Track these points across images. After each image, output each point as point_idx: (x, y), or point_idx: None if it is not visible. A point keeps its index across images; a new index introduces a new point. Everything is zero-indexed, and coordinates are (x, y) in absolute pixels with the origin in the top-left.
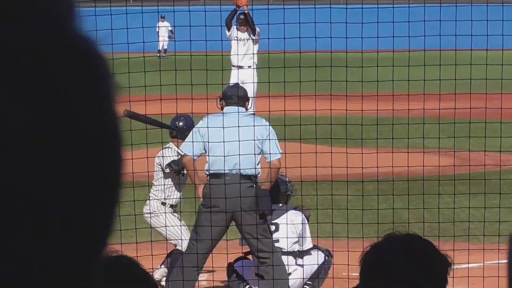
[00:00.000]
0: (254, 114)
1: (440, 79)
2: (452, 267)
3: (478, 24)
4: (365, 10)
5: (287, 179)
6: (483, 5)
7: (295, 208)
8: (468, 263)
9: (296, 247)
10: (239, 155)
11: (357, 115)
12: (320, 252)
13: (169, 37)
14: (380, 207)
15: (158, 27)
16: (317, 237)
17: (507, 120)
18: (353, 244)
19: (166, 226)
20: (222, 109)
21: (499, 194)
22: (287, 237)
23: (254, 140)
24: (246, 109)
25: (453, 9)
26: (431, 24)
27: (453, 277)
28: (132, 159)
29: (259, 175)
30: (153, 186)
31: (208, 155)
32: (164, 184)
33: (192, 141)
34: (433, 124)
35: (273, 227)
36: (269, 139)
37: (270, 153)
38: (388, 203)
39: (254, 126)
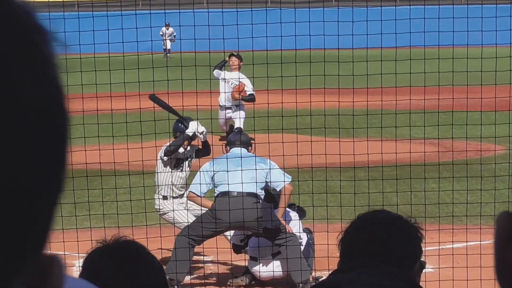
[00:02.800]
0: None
1: (424, 72)
2: (424, 238)
3: (458, 21)
4: (355, 10)
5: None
6: (464, 5)
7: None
8: (453, 242)
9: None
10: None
11: (349, 107)
12: (303, 234)
13: (171, 40)
14: (370, 191)
15: (164, 33)
16: (313, 219)
17: (487, 111)
18: (347, 226)
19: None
20: (229, 150)
21: (480, 179)
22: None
23: (256, 170)
24: (248, 151)
25: (436, 9)
26: (416, 22)
27: (438, 255)
28: (142, 148)
29: (261, 197)
30: (156, 186)
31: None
32: (167, 172)
33: (200, 183)
34: (418, 115)
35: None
36: (272, 169)
37: (278, 181)
38: (378, 188)
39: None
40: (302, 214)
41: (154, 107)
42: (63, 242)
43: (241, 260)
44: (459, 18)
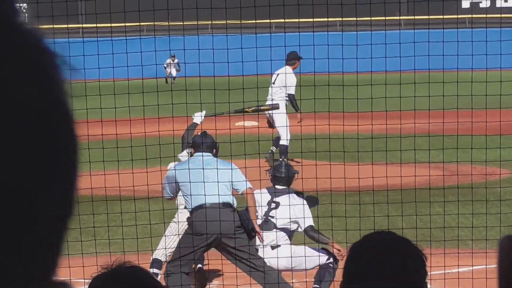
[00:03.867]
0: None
1: (429, 96)
2: (429, 262)
3: (463, 45)
4: (360, 34)
5: (287, 162)
6: (468, 29)
7: (297, 192)
8: (458, 266)
9: (294, 226)
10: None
11: (353, 131)
12: (322, 254)
13: (177, 70)
14: (376, 215)
15: (169, 64)
16: (319, 243)
17: (492, 134)
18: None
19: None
20: (192, 155)
21: (485, 203)
22: (290, 218)
23: (220, 171)
24: (213, 155)
25: (441, 33)
26: (420, 45)
27: (444, 279)
28: (147, 172)
29: (235, 205)
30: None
31: (188, 195)
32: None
33: (168, 189)
34: (423, 139)
35: (273, 205)
36: (234, 169)
37: (240, 181)
38: (383, 212)
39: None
40: (312, 203)
41: (159, 131)
42: (69, 267)
43: (247, 284)
44: (463, 41)
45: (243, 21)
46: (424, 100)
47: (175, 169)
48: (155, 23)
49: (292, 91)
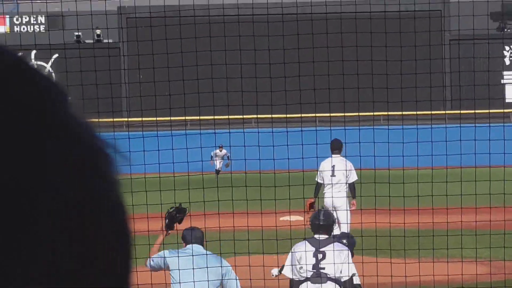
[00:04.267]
0: (213, 254)
1: (476, 194)
2: None
3: (510, 143)
4: (405, 130)
5: (330, 211)
6: None
7: (339, 240)
8: None
9: (344, 276)
10: None
11: (400, 227)
12: None
13: (226, 165)
14: None
15: (216, 154)
16: None
17: None
18: None
19: None
20: (185, 246)
21: None
22: (333, 263)
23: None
24: (204, 247)
25: (487, 128)
26: (467, 143)
27: None
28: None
29: None
30: None
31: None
32: None
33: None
34: (469, 236)
35: (320, 256)
36: (230, 279)
37: (236, 279)
38: None
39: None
40: (351, 247)
41: (205, 227)
42: None
43: None
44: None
45: (288, 115)
46: (470, 196)
47: (167, 256)
48: (200, 117)
49: (355, 176)
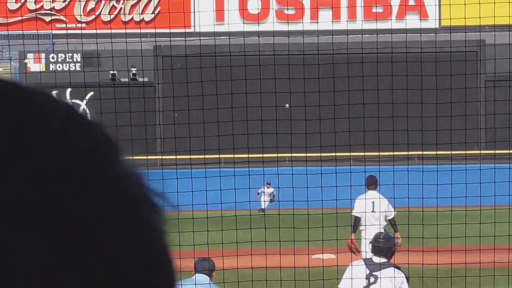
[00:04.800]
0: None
1: (509, 235)
2: None
3: None
4: (440, 172)
5: (391, 235)
6: None
7: (396, 266)
8: None
9: None
10: None
11: (433, 267)
12: None
13: (270, 200)
14: None
15: (263, 191)
16: None
17: None
18: None
19: None
20: (193, 275)
21: None
22: None
23: None
24: (212, 279)
25: None
26: (501, 184)
27: None
28: None
29: None
30: None
31: None
32: None
33: None
34: (503, 276)
35: (372, 279)
36: None
37: None
38: None
39: None
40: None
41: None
42: None
43: None
44: None
45: (323, 154)
46: (504, 237)
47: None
48: (234, 156)
49: (394, 213)
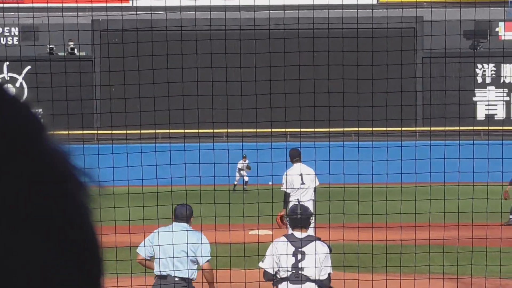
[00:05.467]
0: (195, 230)
1: (444, 212)
2: None
3: (479, 161)
4: (375, 148)
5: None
6: (485, 142)
7: (318, 238)
8: None
9: (323, 276)
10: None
11: (368, 243)
12: None
13: (248, 167)
14: None
15: (242, 166)
16: None
17: (507, 248)
18: None
19: None
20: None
21: None
22: (315, 267)
23: (188, 247)
24: (190, 224)
25: (456, 145)
26: (436, 160)
27: None
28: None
29: (193, 279)
30: None
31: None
32: None
33: (144, 246)
34: (438, 253)
35: (299, 256)
36: (203, 243)
37: (202, 256)
38: None
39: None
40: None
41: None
42: None
43: None
44: (479, 159)
45: (258, 130)
46: (439, 213)
47: (152, 245)
48: (170, 131)
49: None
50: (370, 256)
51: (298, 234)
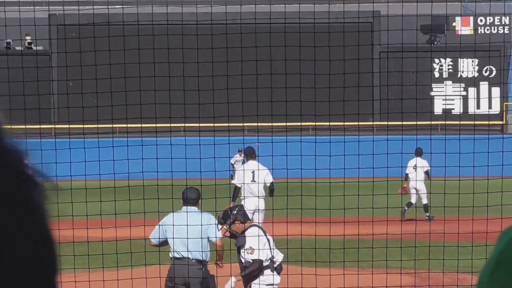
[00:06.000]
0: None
1: (402, 207)
2: None
3: (437, 156)
4: (333, 143)
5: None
6: (442, 136)
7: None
8: None
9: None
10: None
11: (325, 238)
12: None
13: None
14: None
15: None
16: None
17: (464, 243)
18: None
19: None
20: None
21: None
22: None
23: (202, 229)
24: (198, 207)
25: (414, 142)
26: (394, 155)
27: None
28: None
29: (207, 260)
30: None
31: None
32: None
33: (159, 237)
34: (396, 248)
35: (271, 240)
36: (211, 225)
37: (215, 236)
38: None
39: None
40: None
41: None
42: None
43: None
44: (436, 153)
45: (216, 124)
46: (397, 208)
47: (165, 225)
48: (127, 125)
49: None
50: (327, 251)
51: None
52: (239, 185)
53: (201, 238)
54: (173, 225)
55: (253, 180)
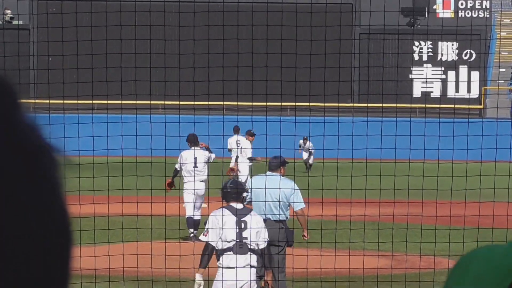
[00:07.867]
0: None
1: (380, 188)
2: None
3: (416, 138)
4: (312, 123)
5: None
6: (421, 119)
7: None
8: None
9: (260, 242)
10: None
11: None
12: None
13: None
14: None
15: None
16: None
17: (442, 226)
18: None
19: None
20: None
21: None
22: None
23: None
24: (282, 174)
25: (393, 124)
26: (374, 137)
27: None
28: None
29: (287, 219)
30: None
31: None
32: None
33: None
34: (373, 230)
35: (242, 225)
36: (296, 190)
37: (298, 202)
38: None
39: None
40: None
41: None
42: None
43: None
44: (416, 135)
45: (196, 103)
46: (375, 190)
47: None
48: (107, 102)
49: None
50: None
51: (235, 205)
52: (178, 168)
53: (279, 201)
54: (265, 188)
55: (196, 166)
